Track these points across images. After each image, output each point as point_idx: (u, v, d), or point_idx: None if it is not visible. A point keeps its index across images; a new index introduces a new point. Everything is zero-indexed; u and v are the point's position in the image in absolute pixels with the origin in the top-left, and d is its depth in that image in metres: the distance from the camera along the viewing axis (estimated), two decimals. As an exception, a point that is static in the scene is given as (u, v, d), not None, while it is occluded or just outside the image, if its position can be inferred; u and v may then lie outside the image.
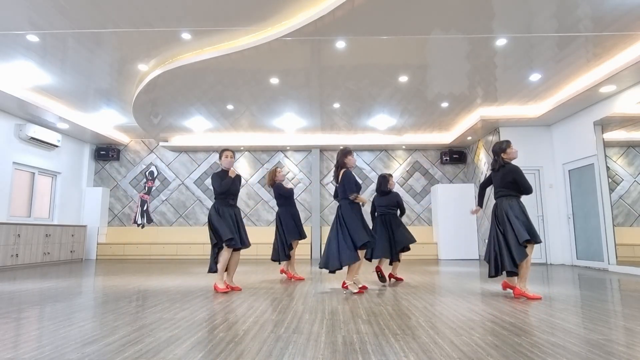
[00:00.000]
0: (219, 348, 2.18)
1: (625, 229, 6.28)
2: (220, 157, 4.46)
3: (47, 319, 2.93)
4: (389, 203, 5.21)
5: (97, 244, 9.76)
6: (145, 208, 10.32)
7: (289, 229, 5.34)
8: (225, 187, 4.31)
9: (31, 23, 4.76)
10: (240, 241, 4.29)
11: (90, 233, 9.73)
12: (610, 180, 6.62)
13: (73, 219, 9.70)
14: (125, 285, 4.77)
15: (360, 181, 4.42)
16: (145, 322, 2.78)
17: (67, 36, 5.10)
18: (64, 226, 8.54)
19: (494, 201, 4.21)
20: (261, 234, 9.99)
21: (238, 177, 4.47)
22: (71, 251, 8.76)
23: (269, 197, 10.29)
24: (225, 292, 4.25)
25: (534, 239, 3.80)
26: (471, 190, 9.66)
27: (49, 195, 9.13)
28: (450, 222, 9.47)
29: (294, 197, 5.69)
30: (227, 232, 4.18)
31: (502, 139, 8.95)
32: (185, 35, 5.19)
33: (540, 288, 4.52)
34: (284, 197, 5.44)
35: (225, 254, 4.27)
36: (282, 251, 5.32)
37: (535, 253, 8.11)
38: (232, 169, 4.37)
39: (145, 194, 10.37)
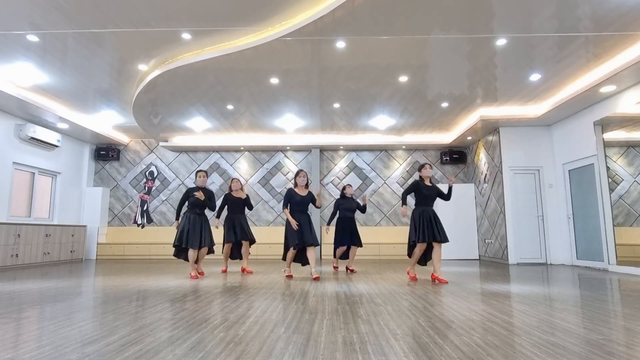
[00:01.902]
0: (219, 348, 2.18)
1: (625, 229, 6.28)
2: (195, 177, 5.87)
3: (47, 319, 2.93)
4: (348, 207, 6.50)
5: (97, 244, 9.76)
6: (145, 208, 10.32)
7: (234, 233, 6.25)
8: (179, 207, 5.87)
9: (31, 23, 4.76)
10: (196, 243, 5.50)
11: (90, 233, 9.73)
12: (610, 180, 6.62)
13: (73, 219, 9.70)
14: (125, 285, 4.77)
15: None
16: (145, 322, 2.78)
17: (67, 36, 5.10)
18: (64, 226, 8.54)
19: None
20: (261, 234, 9.99)
21: (200, 193, 5.63)
22: (71, 251, 8.76)
23: (268, 197, 10.30)
24: (196, 278, 5.45)
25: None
26: (471, 190, 9.66)
27: (49, 195, 9.13)
28: (450, 222, 9.47)
29: (245, 205, 6.50)
30: (177, 238, 5.53)
31: (501, 139, 8.99)
32: (185, 35, 5.19)
33: (540, 288, 4.52)
34: (229, 205, 6.39)
35: (189, 251, 5.56)
36: (236, 250, 6.46)
37: (535, 253, 8.12)
38: (198, 193, 5.61)
39: (145, 194, 10.37)
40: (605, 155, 6.73)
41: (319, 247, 9.88)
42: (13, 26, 4.82)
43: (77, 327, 2.66)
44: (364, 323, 2.77)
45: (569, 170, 7.84)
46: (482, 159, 9.33)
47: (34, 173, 8.58)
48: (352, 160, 10.46)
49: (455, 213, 9.53)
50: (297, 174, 5.66)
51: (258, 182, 10.39)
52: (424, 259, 5.35)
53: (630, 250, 6.21)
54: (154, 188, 10.41)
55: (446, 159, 10.13)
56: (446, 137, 9.78)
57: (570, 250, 7.79)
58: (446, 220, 9.45)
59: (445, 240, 5.04)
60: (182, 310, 3.25)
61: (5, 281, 5.24)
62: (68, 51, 5.51)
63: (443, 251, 9.40)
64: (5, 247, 7.00)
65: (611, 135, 6.61)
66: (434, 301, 3.67)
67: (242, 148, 10.25)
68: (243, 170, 10.42)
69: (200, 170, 5.87)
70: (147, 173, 10.44)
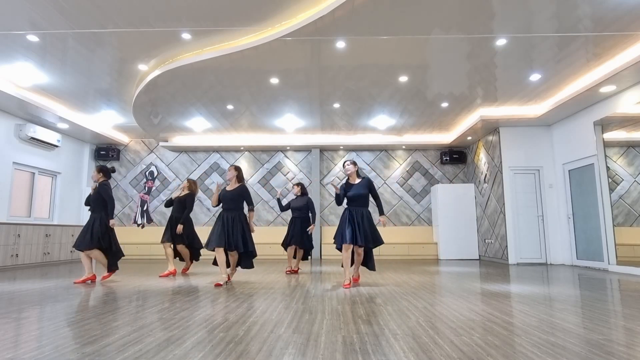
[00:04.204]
0: (219, 348, 2.18)
1: (625, 229, 6.28)
2: None
3: (47, 319, 2.93)
4: (299, 206, 6.30)
5: (97, 244, 9.75)
6: (145, 208, 10.32)
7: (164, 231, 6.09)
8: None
9: (31, 23, 4.76)
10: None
11: (90, 233, 9.72)
12: (610, 180, 6.62)
13: (73, 219, 9.70)
14: (125, 285, 4.77)
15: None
16: (145, 322, 2.78)
17: (67, 36, 5.10)
18: (64, 226, 8.54)
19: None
20: (261, 234, 9.99)
21: (94, 193, 5.27)
22: (71, 251, 8.76)
23: (268, 197, 10.30)
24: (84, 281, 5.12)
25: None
26: (471, 190, 9.66)
27: (49, 195, 9.13)
28: (450, 222, 9.47)
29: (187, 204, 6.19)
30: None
31: (501, 139, 8.98)
32: (185, 35, 5.19)
33: (540, 288, 4.52)
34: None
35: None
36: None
37: (535, 253, 8.12)
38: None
39: (145, 194, 10.37)
40: (605, 155, 6.72)
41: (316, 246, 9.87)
42: (13, 26, 4.82)
43: (77, 327, 2.66)
44: (364, 323, 2.77)
45: (569, 170, 7.84)
46: (482, 159, 9.33)
47: (34, 173, 8.58)
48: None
49: (455, 213, 9.52)
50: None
51: (258, 182, 10.39)
52: (364, 262, 4.83)
53: (630, 250, 6.21)
54: (154, 188, 10.40)
55: (446, 159, 10.13)
56: (446, 137, 9.78)
57: (570, 250, 7.79)
58: (446, 221, 9.46)
59: (361, 243, 4.51)
60: (182, 310, 3.25)
61: (5, 281, 5.24)
62: (68, 51, 5.51)
63: (443, 251, 9.39)
64: (5, 247, 7.00)
65: (611, 135, 6.61)
66: (434, 301, 3.67)
67: (242, 148, 10.25)
68: (243, 170, 10.42)
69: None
70: (147, 173, 10.44)
